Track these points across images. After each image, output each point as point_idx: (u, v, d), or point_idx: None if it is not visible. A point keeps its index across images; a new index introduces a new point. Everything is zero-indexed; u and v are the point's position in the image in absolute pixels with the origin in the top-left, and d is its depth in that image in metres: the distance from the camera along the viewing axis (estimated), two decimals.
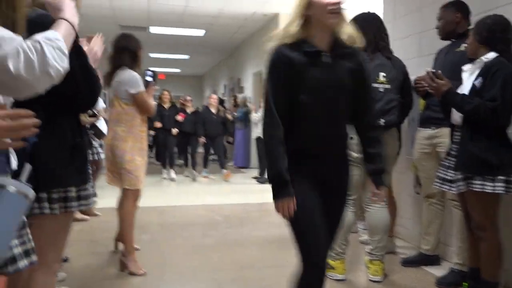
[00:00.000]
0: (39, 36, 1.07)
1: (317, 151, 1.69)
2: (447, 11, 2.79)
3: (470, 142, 2.24)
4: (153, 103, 3.00)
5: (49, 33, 1.11)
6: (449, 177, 2.37)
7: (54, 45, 1.08)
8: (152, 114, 3.05)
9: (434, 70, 2.39)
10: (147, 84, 2.98)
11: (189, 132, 7.58)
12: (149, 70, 3.12)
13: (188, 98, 8.10)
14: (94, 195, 1.75)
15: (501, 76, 2.17)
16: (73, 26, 1.27)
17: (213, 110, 7.80)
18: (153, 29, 8.98)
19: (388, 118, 2.60)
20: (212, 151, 7.92)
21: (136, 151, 2.88)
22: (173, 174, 7.60)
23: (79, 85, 1.45)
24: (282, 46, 1.65)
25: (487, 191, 2.19)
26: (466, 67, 2.37)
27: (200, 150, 7.98)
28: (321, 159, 1.70)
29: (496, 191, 2.18)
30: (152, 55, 12.19)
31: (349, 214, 2.69)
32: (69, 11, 1.29)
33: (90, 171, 1.88)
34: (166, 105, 7.56)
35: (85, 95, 1.50)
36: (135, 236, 3.03)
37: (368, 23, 2.66)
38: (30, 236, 1.19)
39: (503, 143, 2.25)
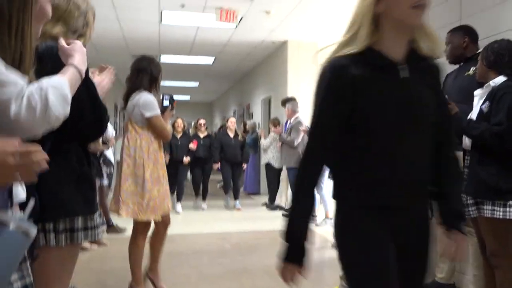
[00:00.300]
0: (45, 83, 1.07)
1: (391, 202, 1.26)
2: (454, 35, 2.79)
3: (478, 166, 2.21)
4: (169, 128, 2.94)
5: (55, 80, 1.12)
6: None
7: (58, 92, 1.08)
8: (168, 139, 2.99)
9: None
10: (164, 109, 2.93)
11: (202, 157, 7.11)
12: (167, 94, 3.07)
13: (202, 121, 7.46)
14: (103, 224, 1.73)
15: (507, 100, 2.15)
16: (80, 73, 1.28)
17: (231, 134, 7.33)
18: (164, 58, 9.16)
19: None
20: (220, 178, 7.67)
21: (156, 179, 2.76)
22: (179, 207, 6.93)
23: (87, 115, 1.46)
24: (341, 59, 1.25)
25: (497, 217, 2.13)
26: (477, 92, 2.36)
27: (213, 177, 7.69)
28: (397, 213, 1.26)
29: (508, 217, 2.12)
30: (162, 83, 12.37)
31: None
32: (79, 57, 1.32)
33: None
34: (179, 135, 6.95)
35: (93, 125, 1.50)
36: (142, 264, 2.98)
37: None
38: (30, 271, 1.17)
39: None
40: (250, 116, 10.61)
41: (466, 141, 2.31)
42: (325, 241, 4.87)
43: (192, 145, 6.99)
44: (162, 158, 2.85)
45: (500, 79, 2.25)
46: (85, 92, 1.48)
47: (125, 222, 5.75)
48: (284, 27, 6.85)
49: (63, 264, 1.51)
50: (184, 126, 7.19)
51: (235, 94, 13.41)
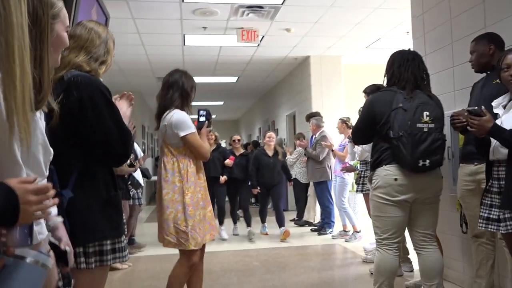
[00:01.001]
0: None
1: None
2: (479, 43, 2.74)
3: None
4: (207, 146, 2.67)
5: None
6: (494, 216, 2.23)
7: None
8: (207, 158, 2.68)
9: (472, 109, 2.30)
10: (200, 126, 2.67)
11: (237, 178, 6.13)
12: (202, 110, 2.75)
13: (237, 137, 6.48)
14: (129, 245, 1.76)
15: None
16: None
17: (270, 153, 6.03)
18: None
19: (434, 159, 2.45)
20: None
21: (196, 203, 2.56)
22: (225, 234, 6.05)
23: (113, 140, 1.50)
24: None
25: None
26: (496, 102, 2.29)
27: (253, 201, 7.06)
28: None
29: None
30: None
31: (393, 257, 2.57)
32: None
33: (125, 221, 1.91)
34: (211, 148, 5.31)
35: (119, 149, 1.55)
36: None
37: (408, 61, 2.62)
38: None
39: None
40: (276, 132, 10.63)
41: (497, 152, 2.23)
42: (355, 257, 4.77)
43: (229, 161, 6.02)
44: (202, 179, 2.66)
45: None
46: (110, 118, 1.53)
47: (143, 237, 5.86)
48: (305, 43, 6.88)
49: (93, 286, 1.55)
50: (215, 137, 6.08)
51: (260, 111, 13.48)
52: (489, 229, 2.31)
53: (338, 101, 7.63)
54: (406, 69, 2.58)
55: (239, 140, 6.52)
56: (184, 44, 6.77)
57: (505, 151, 2.19)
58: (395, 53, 2.72)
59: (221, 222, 6.07)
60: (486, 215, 2.29)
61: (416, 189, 2.49)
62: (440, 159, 2.53)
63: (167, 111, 2.60)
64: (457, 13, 3.46)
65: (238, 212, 6.66)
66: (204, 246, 2.68)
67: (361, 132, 2.77)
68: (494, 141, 2.24)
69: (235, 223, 6.50)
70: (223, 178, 5.98)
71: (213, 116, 16.95)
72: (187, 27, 5.93)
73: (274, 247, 5.44)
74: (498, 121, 2.23)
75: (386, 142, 2.51)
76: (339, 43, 6.95)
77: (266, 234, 6.22)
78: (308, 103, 7.86)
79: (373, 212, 2.65)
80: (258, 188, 6.01)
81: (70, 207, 1.39)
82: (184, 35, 6.30)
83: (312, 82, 7.77)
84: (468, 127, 2.27)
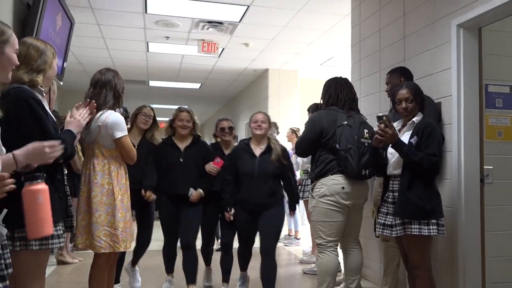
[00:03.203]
0: None
1: None
2: (392, 76, 3.23)
3: (409, 191, 2.55)
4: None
5: None
6: (388, 222, 2.67)
7: None
8: (134, 160, 2.63)
9: (382, 114, 2.64)
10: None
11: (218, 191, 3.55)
12: (120, 108, 2.69)
13: (227, 124, 3.75)
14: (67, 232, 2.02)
15: (436, 136, 2.57)
16: (16, 161, 1.56)
17: (256, 149, 3.38)
18: (152, 83, 9.58)
19: (371, 169, 2.84)
20: None
21: (126, 206, 2.54)
22: None
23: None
24: None
25: (424, 234, 2.50)
26: (396, 125, 2.76)
27: None
28: None
29: (431, 234, 2.50)
30: (152, 105, 12.79)
31: (336, 258, 2.91)
32: (25, 152, 1.57)
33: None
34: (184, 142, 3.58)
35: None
36: None
37: (342, 85, 3.05)
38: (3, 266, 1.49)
39: (434, 191, 2.60)
40: (236, 139, 10.98)
41: (391, 168, 2.69)
42: (295, 258, 5.20)
43: (213, 166, 3.46)
44: (127, 182, 2.61)
45: (420, 116, 2.67)
46: (33, 125, 1.82)
47: None
48: (263, 57, 7.32)
49: (36, 265, 1.85)
50: (193, 125, 3.57)
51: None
52: (384, 233, 2.75)
53: (293, 112, 8.10)
54: (341, 91, 3.02)
55: (230, 129, 3.70)
56: (148, 51, 7.06)
57: (398, 169, 2.64)
58: (330, 79, 3.14)
59: (193, 272, 3.49)
60: (382, 221, 2.73)
61: (356, 196, 2.89)
62: (374, 170, 2.92)
63: (101, 112, 2.49)
64: (384, 45, 3.97)
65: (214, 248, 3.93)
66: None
67: (307, 144, 3.03)
68: (390, 159, 2.70)
69: (208, 264, 3.90)
70: (196, 194, 3.38)
71: None
72: (150, 35, 6.23)
73: None
74: None
75: (331, 154, 2.87)
76: (295, 59, 7.43)
77: None
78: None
79: (317, 218, 2.93)
80: (232, 211, 3.37)
81: (17, 197, 1.63)
82: (147, 42, 6.59)
83: (270, 94, 8.22)
84: (378, 135, 2.58)
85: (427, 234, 2.50)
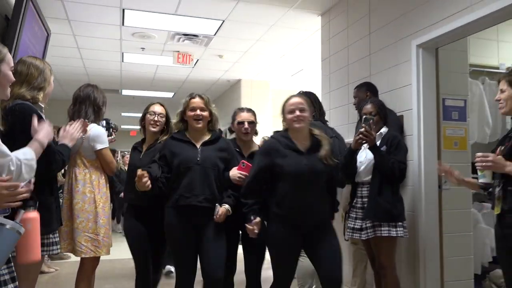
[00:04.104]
0: (20, 156, 1.58)
1: None
2: (359, 90, 3.49)
3: (379, 196, 2.80)
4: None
5: (27, 153, 1.62)
6: (357, 226, 2.91)
7: (28, 163, 1.59)
8: (114, 171, 2.78)
9: (370, 117, 2.82)
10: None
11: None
12: (102, 121, 2.81)
13: (247, 118, 3.12)
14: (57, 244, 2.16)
15: (403, 146, 2.86)
16: (42, 145, 1.76)
17: (300, 145, 2.57)
18: (125, 91, 9.60)
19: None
20: None
21: (108, 213, 2.67)
22: None
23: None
24: None
25: (393, 235, 2.74)
26: None
27: None
28: None
29: (399, 235, 2.75)
30: (124, 114, 12.75)
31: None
32: (43, 134, 1.79)
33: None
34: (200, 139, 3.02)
35: (41, 164, 1.81)
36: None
37: (315, 99, 3.29)
38: (13, 268, 1.64)
39: (399, 196, 2.86)
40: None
41: (362, 175, 2.92)
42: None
43: (237, 173, 2.74)
44: (108, 191, 2.74)
45: (386, 128, 2.94)
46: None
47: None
48: (236, 68, 7.53)
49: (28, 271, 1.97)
50: (210, 117, 2.81)
51: None
52: (353, 237, 2.98)
53: (265, 122, 8.32)
54: (315, 105, 3.24)
55: (252, 125, 2.96)
56: (123, 61, 7.13)
57: (368, 176, 2.88)
58: (312, 93, 3.34)
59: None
60: (352, 225, 2.95)
61: None
62: (345, 175, 3.02)
63: None
64: (352, 61, 4.25)
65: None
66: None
67: None
68: (360, 167, 2.94)
69: None
70: (223, 211, 2.60)
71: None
72: (126, 46, 6.32)
73: None
74: (362, 151, 2.93)
75: None
76: (267, 70, 7.67)
77: None
78: None
79: None
80: (257, 219, 2.53)
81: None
82: (122, 53, 6.67)
83: (242, 103, 8.39)
84: (362, 135, 2.72)
85: (395, 235, 2.75)
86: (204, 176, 2.57)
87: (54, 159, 1.98)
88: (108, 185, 2.75)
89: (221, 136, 2.83)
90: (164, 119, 3.01)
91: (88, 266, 2.66)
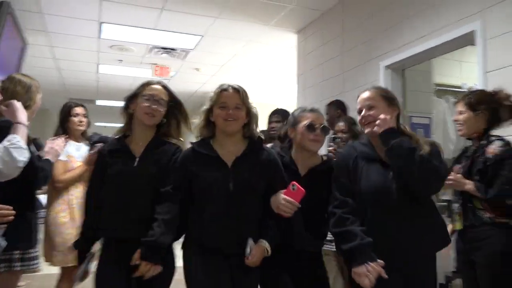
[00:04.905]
0: (5, 143, 1.65)
1: None
2: (331, 108, 3.65)
3: None
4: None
5: (11, 138, 1.70)
6: (329, 238, 3.03)
7: (16, 146, 1.67)
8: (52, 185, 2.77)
9: (337, 136, 2.98)
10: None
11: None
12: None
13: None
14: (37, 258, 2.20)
15: None
16: (25, 126, 1.82)
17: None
18: (99, 102, 9.57)
19: None
20: None
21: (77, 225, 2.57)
22: None
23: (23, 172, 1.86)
24: None
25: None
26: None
27: None
28: None
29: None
30: (98, 124, 12.65)
31: None
32: (22, 116, 1.83)
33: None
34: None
35: (27, 177, 1.91)
36: None
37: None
38: None
39: None
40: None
41: None
42: None
43: (291, 201, 1.75)
44: (79, 202, 2.73)
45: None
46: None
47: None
48: (213, 81, 7.63)
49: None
50: (249, 122, 1.97)
51: None
52: (325, 248, 3.09)
53: None
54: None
55: (324, 131, 2.06)
56: (98, 72, 7.15)
57: None
58: (280, 110, 3.47)
59: None
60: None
61: None
62: None
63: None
64: (326, 78, 4.43)
65: None
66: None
67: None
68: None
69: None
70: (259, 251, 1.79)
71: None
72: (103, 58, 6.36)
73: None
74: None
75: None
76: (243, 84, 7.70)
77: None
78: None
79: None
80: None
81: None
82: (99, 65, 6.70)
83: None
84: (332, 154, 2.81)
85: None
86: (237, 209, 1.77)
87: (37, 176, 2.02)
88: (78, 199, 2.73)
89: (262, 145, 1.95)
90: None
91: (66, 274, 2.67)
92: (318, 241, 2.02)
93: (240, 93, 1.93)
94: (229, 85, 1.97)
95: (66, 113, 2.88)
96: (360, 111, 1.87)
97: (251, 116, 1.93)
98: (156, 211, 1.76)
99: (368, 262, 1.62)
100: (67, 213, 2.72)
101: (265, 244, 1.78)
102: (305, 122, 2.02)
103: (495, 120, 2.20)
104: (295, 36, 5.15)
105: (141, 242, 1.70)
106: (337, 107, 3.61)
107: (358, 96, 1.89)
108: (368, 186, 1.78)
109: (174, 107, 2.05)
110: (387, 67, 3.45)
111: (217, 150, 1.88)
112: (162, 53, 6.02)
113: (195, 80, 7.56)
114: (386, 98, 1.85)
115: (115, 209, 1.80)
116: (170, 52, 5.98)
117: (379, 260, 1.63)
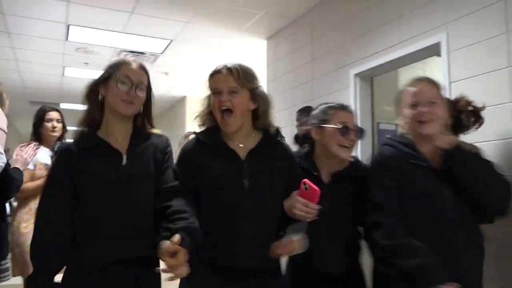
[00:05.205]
0: None
1: None
2: (301, 114, 3.71)
3: None
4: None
5: None
6: None
7: None
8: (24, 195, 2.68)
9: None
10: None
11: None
12: None
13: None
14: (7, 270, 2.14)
15: None
16: (3, 130, 1.80)
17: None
18: (63, 105, 9.28)
19: None
20: None
21: None
22: None
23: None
24: None
25: None
26: None
27: None
28: None
29: None
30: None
31: None
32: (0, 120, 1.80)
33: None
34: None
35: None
36: None
37: None
38: None
39: None
40: None
41: None
42: None
43: (306, 202, 1.44)
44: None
45: None
46: None
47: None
48: (182, 86, 7.59)
49: None
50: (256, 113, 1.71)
51: None
52: None
53: None
54: None
55: (360, 132, 1.83)
56: (63, 75, 6.94)
57: None
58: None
59: None
60: None
61: None
62: None
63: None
64: (296, 84, 4.51)
65: None
66: None
67: None
68: None
69: None
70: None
71: None
72: (68, 61, 6.18)
73: None
74: None
75: None
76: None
77: None
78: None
79: None
80: None
81: None
82: (64, 67, 6.50)
83: (187, 119, 8.47)
84: None
85: None
86: (258, 214, 1.47)
87: (11, 186, 1.96)
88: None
89: (279, 138, 1.65)
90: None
91: None
92: (352, 259, 1.67)
93: (234, 72, 1.54)
94: (224, 65, 1.61)
95: (39, 117, 2.79)
96: (414, 105, 1.54)
97: (260, 103, 1.52)
98: (170, 204, 1.37)
99: (441, 284, 1.31)
100: (29, 223, 2.59)
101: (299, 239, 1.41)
102: (337, 121, 1.69)
103: (459, 127, 2.30)
104: (265, 42, 5.21)
105: (180, 228, 1.27)
106: (308, 114, 3.66)
107: (409, 87, 1.58)
108: (414, 195, 1.50)
109: (150, 93, 1.68)
110: (356, 75, 3.55)
111: (228, 142, 1.56)
112: (130, 57, 5.92)
113: (164, 84, 7.49)
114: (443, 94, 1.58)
115: (109, 222, 1.37)
116: (138, 55, 5.89)
117: (454, 283, 1.32)
